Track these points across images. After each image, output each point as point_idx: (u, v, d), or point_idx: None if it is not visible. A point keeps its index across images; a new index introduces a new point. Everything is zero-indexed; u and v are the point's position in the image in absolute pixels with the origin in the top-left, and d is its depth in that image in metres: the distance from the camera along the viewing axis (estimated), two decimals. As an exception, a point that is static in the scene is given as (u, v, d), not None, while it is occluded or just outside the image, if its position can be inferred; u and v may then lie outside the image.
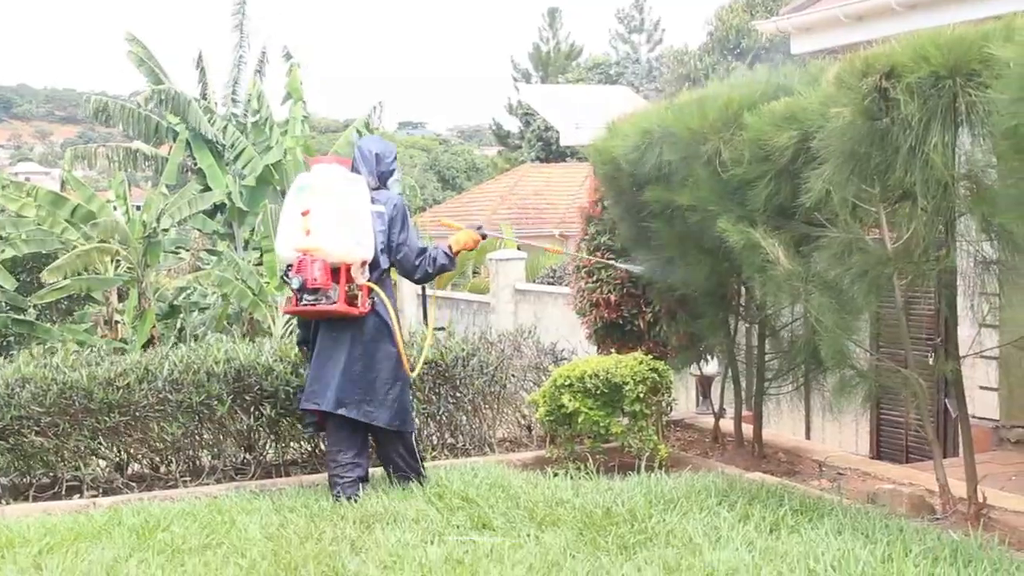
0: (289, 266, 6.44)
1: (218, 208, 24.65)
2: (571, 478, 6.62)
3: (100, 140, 30.35)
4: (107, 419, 6.94)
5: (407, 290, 19.76)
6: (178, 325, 23.67)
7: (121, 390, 6.93)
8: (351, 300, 6.43)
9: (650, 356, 7.48)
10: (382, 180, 6.78)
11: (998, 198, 5.02)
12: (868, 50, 5.49)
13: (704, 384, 9.15)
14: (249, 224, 24.56)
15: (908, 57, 5.16)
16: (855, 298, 5.74)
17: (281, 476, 7.36)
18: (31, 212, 22.53)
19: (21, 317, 23.54)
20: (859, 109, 5.33)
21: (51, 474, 7.14)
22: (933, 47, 5.09)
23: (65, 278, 21.53)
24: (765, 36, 9.75)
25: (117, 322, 23.71)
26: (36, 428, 6.88)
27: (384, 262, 6.65)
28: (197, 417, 7.13)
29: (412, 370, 6.84)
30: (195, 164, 24.82)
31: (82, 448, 7.02)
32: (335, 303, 6.34)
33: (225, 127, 24.63)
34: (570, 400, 7.09)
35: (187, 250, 24.84)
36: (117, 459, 7.27)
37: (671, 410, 7.77)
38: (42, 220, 22.24)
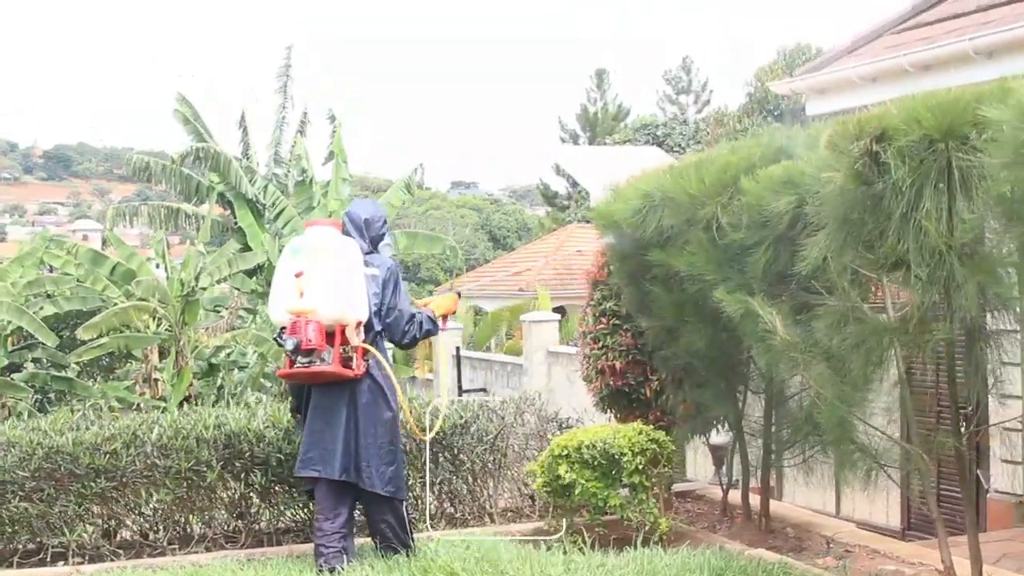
0: (282, 328, 6.36)
1: (257, 267, 24.69)
2: (564, 553, 6.38)
3: (157, 199, 30.59)
4: (93, 484, 6.82)
5: (444, 353, 19.65)
6: (217, 383, 23.72)
7: (108, 455, 6.82)
8: (346, 362, 6.31)
9: (653, 426, 7.28)
10: (374, 244, 6.73)
11: (994, 266, 4.79)
12: (861, 112, 5.30)
13: (716, 454, 8.88)
14: (288, 284, 24.54)
15: (900, 119, 4.96)
16: (852, 369, 5.50)
17: (273, 545, 7.18)
18: (72, 270, 22.74)
19: (61, 374, 23.70)
20: (851, 173, 5.12)
21: (37, 540, 7.01)
22: (925, 109, 4.88)
23: (103, 335, 21.63)
24: (802, 98, 9.59)
25: (156, 380, 23.77)
26: (21, 493, 6.76)
27: (377, 324, 6.54)
28: (186, 484, 6.98)
29: (425, 431, 6.83)
30: (235, 223, 24.91)
31: (68, 514, 6.88)
32: (330, 365, 6.23)
33: (266, 187, 24.74)
34: (567, 471, 6.86)
35: (226, 308, 24.89)
36: (105, 526, 7.12)
37: (671, 482, 7.53)
38: (83, 278, 22.42)
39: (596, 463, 6.84)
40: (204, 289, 22.96)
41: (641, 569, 5.91)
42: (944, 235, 4.88)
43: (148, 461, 6.88)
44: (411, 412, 6.80)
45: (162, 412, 7.77)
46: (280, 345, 6.36)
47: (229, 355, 24.16)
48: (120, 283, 22.14)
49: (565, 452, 6.93)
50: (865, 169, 5.06)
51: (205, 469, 6.93)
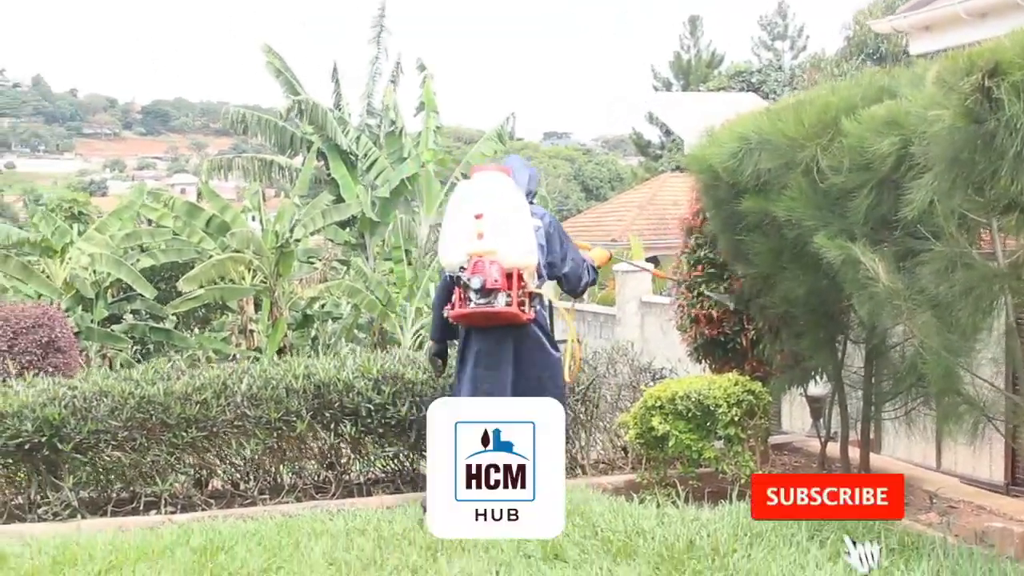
0: (462, 268, 6.32)
1: (350, 219, 24.80)
2: (657, 506, 6.24)
3: (252, 151, 30.89)
4: (184, 434, 6.85)
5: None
6: (312, 334, 23.93)
7: (199, 405, 6.84)
8: (520, 305, 6.34)
9: (750, 376, 7.10)
10: (528, 198, 6.77)
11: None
12: (973, 47, 5.01)
13: (814, 405, 8.63)
14: (380, 235, 24.67)
15: (1015, 53, 4.66)
16: (960, 318, 5.25)
17: (363, 495, 7.15)
18: (168, 222, 23.03)
19: (159, 326, 24.07)
20: (961, 111, 4.83)
21: (130, 489, 7.08)
22: (1043, 41, 4.59)
23: (200, 287, 21.92)
24: (904, 37, 9.20)
25: (252, 331, 24.05)
26: (113, 442, 6.82)
27: (544, 273, 6.66)
28: (276, 434, 6.98)
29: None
30: (328, 175, 25.02)
31: (160, 463, 6.93)
32: (509, 307, 6.25)
33: (359, 138, 24.79)
34: (660, 423, 6.72)
35: (319, 260, 25.06)
36: (196, 475, 7.16)
37: (768, 435, 7.33)
38: (179, 230, 22.70)
39: (690, 414, 6.68)
40: (298, 241, 23.12)
41: (737, 523, 5.74)
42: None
43: (238, 411, 6.89)
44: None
45: (256, 363, 7.78)
46: (465, 285, 6.27)
47: (323, 306, 24.36)
48: (215, 235, 22.38)
49: (659, 403, 6.78)
50: (976, 106, 4.77)
51: (295, 419, 6.92)
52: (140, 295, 23.17)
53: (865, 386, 6.90)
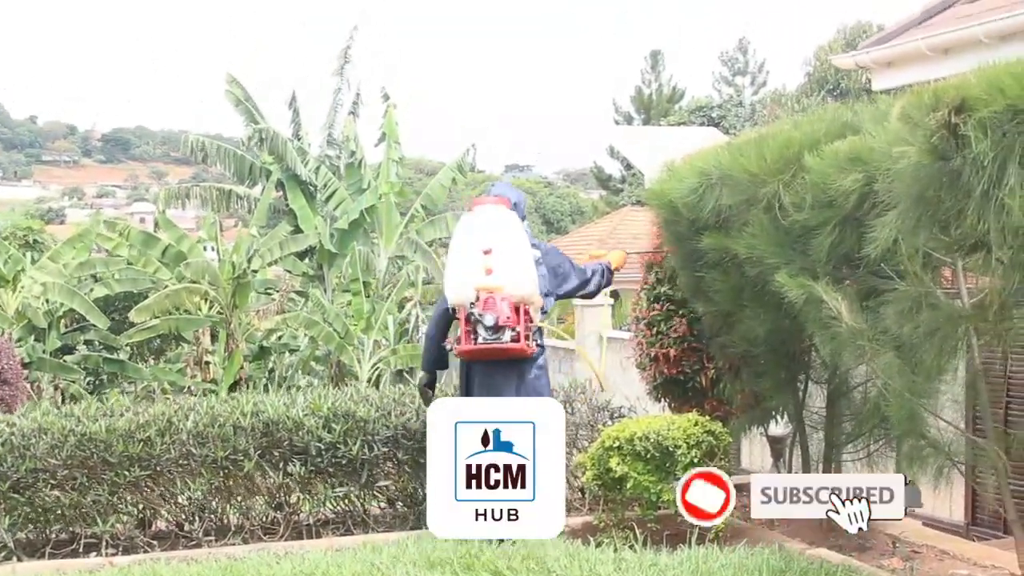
0: (472, 304, 6.32)
1: (308, 250, 24.54)
2: (615, 550, 6.06)
3: (213, 181, 30.60)
4: (127, 473, 6.62)
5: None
6: (269, 366, 23.60)
7: (142, 443, 6.60)
8: (526, 339, 6.37)
9: (709, 416, 6.95)
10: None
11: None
12: (937, 83, 4.90)
13: (775, 446, 8.49)
14: (338, 267, 24.41)
15: (981, 89, 4.56)
16: (924, 359, 5.12)
17: (313, 537, 6.93)
18: (123, 252, 22.68)
19: (113, 357, 23.67)
20: (927, 148, 4.72)
21: (69, 530, 6.81)
22: (1010, 77, 4.48)
23: (154, 318, 21.57)
24: (865, 73, 9.15)
25: (207, 363, 23.70)
26: (52, 481, 6.56)
27: (546, 305, 6.79)
28: (222, 473, 6.75)
29: None
30: (287, 205, 24.77)
31: (101, 503, 6.67)
32: (516, 342, 6.27)
33: (318, 168, 24.56)
34: (618, 464, 6.53)
35: (277, 291, 24.77)
36: (140, 516, 6.90)
37: (729, 475, 7.16)
38: (134, 260, 22.35)
39: (649, 455, 6.49)
40: (255, 272, 22.83)
41: (696, 569, 5.58)
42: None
43: (183, 449, 6.67)
44: None
45: (212, 395, 7.58)
46: (477, 321, 6.27)
47: (280, 338, 24.05)
48: (171, 265, 22.06)
49: (617, 444, 6.60)
50: (942, 143, 4.66)
51: (242, 458, 6.71)
52: (94, 325, 22.77)
53: (827, 427, 6.77)
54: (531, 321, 6.43)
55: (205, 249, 24.41)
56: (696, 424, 6.56)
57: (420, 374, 7.03)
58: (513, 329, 6.27)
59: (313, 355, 22.83)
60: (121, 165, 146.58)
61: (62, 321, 24.07)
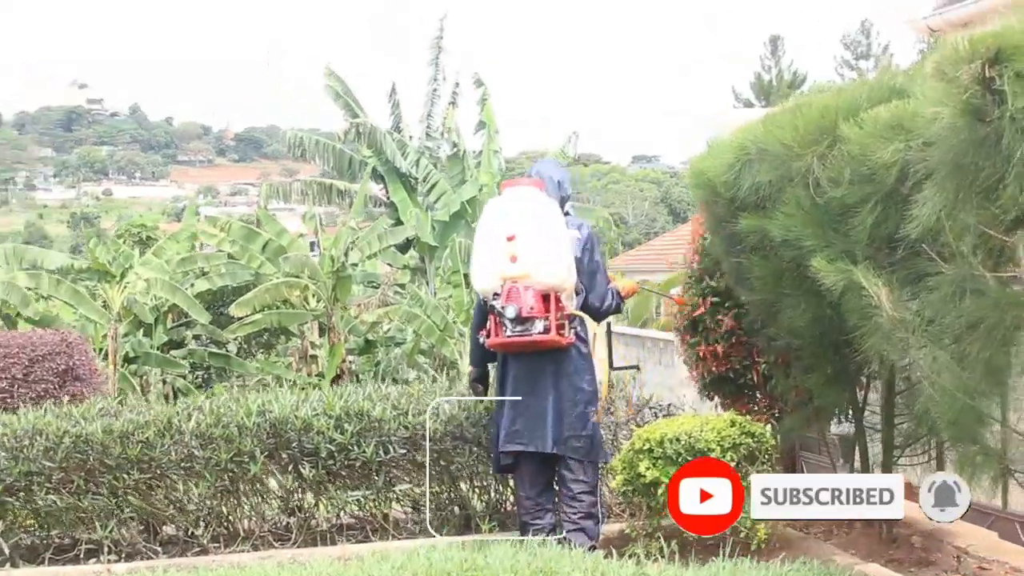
0: (496, 295, 5.95)
1: (408, 242, 24.30)
2: (637, 563, 5.51)
3: (336, 176, 30.66)
4: (127, 476, 6.27)
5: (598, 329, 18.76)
6: (376, 360, 23.44)
7: (141, 444, 6.25)
8: (559, 329, 5.94)
9: (767, 413, 6.39)
10: (562, 206, 6.30)
11: None
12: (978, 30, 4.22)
13: (841, 445, 7.77)
14: (439, 259, 24.14)
15: (1021, 36, 3.88)
16: (970, 353, 4.44)
17: (328, 544, 6.51)
18: (226, 247, 22.75)
19: (219, 351, 23.79)
20: (961, 107, 4.06)
21: (70, 535, 6.49)
22: (1053, 20, 3.81)
23: (255, 312, 21.57)
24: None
25: (314, 356, 23.66)
26: (48, 485, 6.26)
27: (583, 290, 6.22)
28: (228, 476, 6.36)
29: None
30: (388, 198, 24.57)
31: (101, 508, 6.34)
32: (547, 333, 5.87)
33: (418, 160, 24.30)
34: (648, 468, 5.95)
35: (378, 285, 24.61)
36: (142, 521, 6.55)
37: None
38: (238, 255, 22.38)
39: (680, 459, 5.89)
40: (355, 265, 22.68)
41: (719, 586, 5.00)
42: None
43: (186, 451, 6.29)
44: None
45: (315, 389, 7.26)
46: (499, 314, 5.91)
47: (387, 331, 23.88)
48: (273, 260, 22.05)
49: (647, 446, 6.01)
50: (978, 100, 4.01)
51: (247, 460, 6.30)
52: (198, 321, 22.90)
53: (884, 428, 6.08)
54: (563, 310, 5.97)
55: (312, 246, 24.39)
56: (734, 425, 5.95)
57: (469, 369, 6.64)
58: (544, 319, 5.85)
59: (418, 348, 22.59)
60: (253, 163, 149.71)
61: (169, 316, 24.29)
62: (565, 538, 5.97)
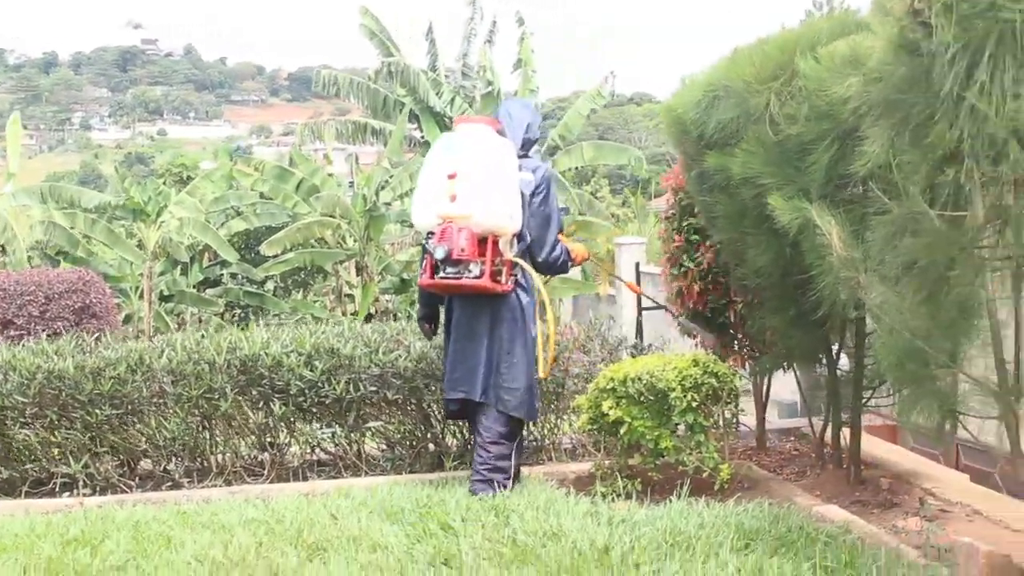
0: (430, 233, 5.81)
1: (444, 180, 24.21)
2: (593, 502, 5.53)
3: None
4: (99, 412, 6.33)
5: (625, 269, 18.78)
6: (412, 299, 23.51)
7: (113, 380, 6.31)
8: (495, 276, 5.77)
9: (745, 352, 6.32)
10: (526, 148, 6.13)
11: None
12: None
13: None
14: (473, 198, 24.02)
15: (951, -34, 3.75)
16: (906, 293, 4.36)
17: (300, 480, 6.57)
18: (260, 186, 22.83)
19: (253, 290, 23.98)
20: (895, 41, 3.96)
21: (46, 470, 6.59)
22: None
23: (287, 251, 21.69)
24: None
25: (350, 295, 23.76)
26: (22, 420, 6.35)
27: (528, 236, 5.98)
28: (199, 412, 6.42)
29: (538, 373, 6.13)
30: (422, 138, 24.47)
31: (75, 442, 6.42)
32: (479, 278, 5.70)
33: (452, 99, 24.13)
34: (611, 407, 5.93)
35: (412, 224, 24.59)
36: (119, 456, 6.64)
37: (738, 422, 6.50)
38: (272, 194, 22.43)
39: (643, 399, 5.87)
40: (388, 204, 22.67)
41: (673, 526, 5.00)
42: (1007, 118, 3.69)
43: (158, 387, 6.35)
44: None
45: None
46: (428, 252, 5.81)
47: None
48: (305, 199, 22.11)
49: (611, 385, 5.99)
50: (912, 33, 3.90)
51: (218, 397, 6.35)
52: (228, 261, 23.08)
53: (855, 370, 6.01)
54: (500, 255, 5.78)
55: (349, 184, 24.37)
56: (696, 364, 5.88)
57: (418, 307, 6.47)
58: (479, 262, 5.67)
59: (450, 287, 22.59)
60: (306, 104, 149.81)
61: (205, 255, 24.53)
62: (471, 489, 5.84)
